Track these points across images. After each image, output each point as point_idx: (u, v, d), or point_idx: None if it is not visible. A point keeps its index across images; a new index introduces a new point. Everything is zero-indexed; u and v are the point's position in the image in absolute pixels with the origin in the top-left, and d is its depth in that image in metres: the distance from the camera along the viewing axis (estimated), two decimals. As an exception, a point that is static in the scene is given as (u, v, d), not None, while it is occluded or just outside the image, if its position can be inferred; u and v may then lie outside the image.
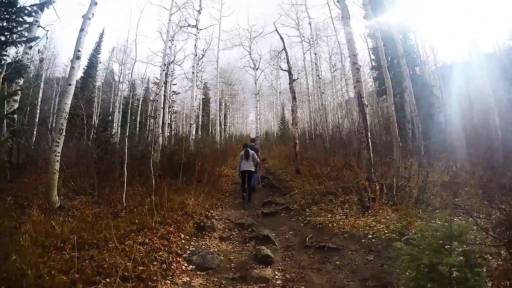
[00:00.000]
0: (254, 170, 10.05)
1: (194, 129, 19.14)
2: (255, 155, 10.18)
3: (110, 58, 34.15)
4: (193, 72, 20.08)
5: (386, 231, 5.95)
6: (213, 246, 6.46)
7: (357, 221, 6.70)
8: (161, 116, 25.99)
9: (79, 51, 7.57)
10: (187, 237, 6.44)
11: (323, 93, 22.49)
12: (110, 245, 5.11)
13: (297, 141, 12.92)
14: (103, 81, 35.13)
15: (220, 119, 32.83)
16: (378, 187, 8.04)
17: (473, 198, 8.27)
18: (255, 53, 26.02)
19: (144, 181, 8.97)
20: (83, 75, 31.86)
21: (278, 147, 22.22)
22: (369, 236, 5.90)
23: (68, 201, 7.44)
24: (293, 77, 13.85)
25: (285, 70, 14.37)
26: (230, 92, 36.46)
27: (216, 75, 24.35)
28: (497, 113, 12.68)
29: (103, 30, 32.75)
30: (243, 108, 41.95)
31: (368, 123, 10.49)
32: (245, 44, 25.75)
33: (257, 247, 5.88)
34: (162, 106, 15.06)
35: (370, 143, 9.22)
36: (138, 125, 33.20)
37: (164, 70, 15.07)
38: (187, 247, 6.06)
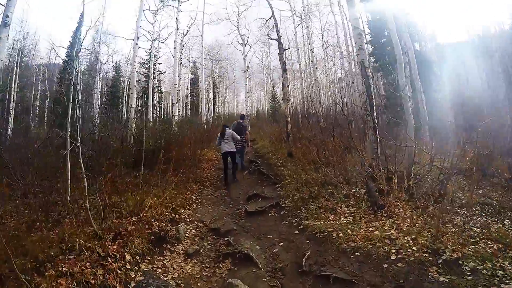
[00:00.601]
0: (235, 150, 9.25)
1: (177, 109, 16.98)
2: (234, 134, 9.32)
3: (94, 39, 31.58)
4: (174, 48, 17.79)
5: (414, 248, 3.99)
6: (173, 269, 4.51)
7: (370, 228, 4.76)
8: (149, 96, 24.10)
9: (7, 16, 5.95)
10: (137, 257, 4.45)
11: (316, 68, 20.30)
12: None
13: (289, 119, 10.90)
14: (88, 64, 32.68)
15: (208, 98, 30.66)
16: (390, 177, 6.14)
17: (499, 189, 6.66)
18: (243, 28, 23.73)
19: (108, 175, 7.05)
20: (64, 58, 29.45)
21: (269, 126, 20.20)
22: (392, 258, 3.91)
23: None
24: (283, 47, 11.67)
25: (274, 39, 12.18)
26: (219, 71, 34.03)
27: (201, 51, 22.02)
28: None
29: (83, 9, 29.95)
30: (234, 87, 39.58)
31: (373, 97, 8.57)
32: (232, 19, 23.49)
33: (229, 281, 3.89)
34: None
35: (376, 122, 7.31)
36: (124, 108, 31.20)
37: (136, 43, 12.76)
38: (133, 275, 4.07)
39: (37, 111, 26.58)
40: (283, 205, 6.59)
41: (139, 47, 12.74)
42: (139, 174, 7.44)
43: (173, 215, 6.12)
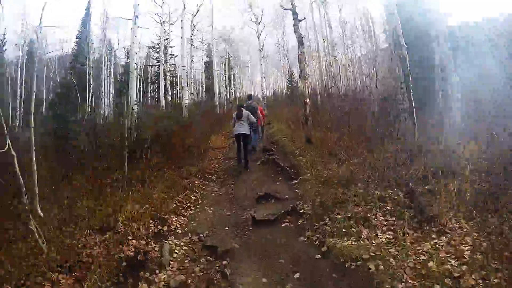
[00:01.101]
0: (249, 133, 8.34)
1: (187, 93, 15.52)
2: (251, 115, 8.34)
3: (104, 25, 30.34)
4: (182, 28, 16.24)
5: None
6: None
7: (421, 254, 3.26)
8: (160, 81, 22.75)
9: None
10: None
11: (335, 44, 18.32)
12: None
13: (308, 100, 9.22)
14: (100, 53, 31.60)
15: (222, 80, 29.09)
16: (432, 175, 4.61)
17: None
18: (256, 8, 21.89)
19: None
20: (74, 47, 28.36)
21: (286, 108, 18.56)
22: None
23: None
24: (298, 18, 9.92)
25: (288, 9, 10.42)
26: (233, 53, 32.23)
27: (211, 31, 20.37)
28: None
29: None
30: (249, 69, 37.77)
31: (409, 73, 6.93)
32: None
33: None
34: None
35: (413, 103, 5.71)
36: (138, 94, 30.10)
37: (135, 23, 11.22)
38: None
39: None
40: (301, 211, 5.01)
41: (138, 26, 11.23)
42: (128, 170, 5.95)
43: (160, 227, 4.71)
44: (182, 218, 5.31)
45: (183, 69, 15.79)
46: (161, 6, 19.50)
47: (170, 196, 5.75)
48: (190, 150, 8.87)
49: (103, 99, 21.97)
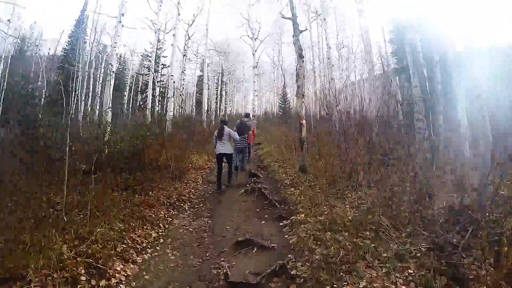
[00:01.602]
0: (231, 153, 7.71)
1: (172, 104, 14.15)
2: (233, 133, 7.64)
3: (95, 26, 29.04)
4: (174, 35, 14.98)
5: None
6: None
7: None
8: (149, 90, 21.35)
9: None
10: None
11: (333, 65, 17.26)
12: None
13: (304, 121, 7.91)
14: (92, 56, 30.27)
15: (212, 94, 27.86)
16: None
17: None
18: (254, 22, 21.02)
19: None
20: (65, 49, 27.03)
21: (277, 129, 17.31)
22: None
23: None
24: (299, 28, 8.73)
25: (288, 18, 9.23)
26: (227, 67, 31.09)
27: (205, 42, 19.27)
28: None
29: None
30: (243, 86, 36.63)
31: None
32: (242, 11, 21.19)
33: None
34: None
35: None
36: (127, 103, 28.64)
37: (119, 21, 9.88)
38: None
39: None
40: (293, 272, 3.57)
41: (122, 25, 9.92)
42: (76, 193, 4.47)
43: (95, 281, 3.26)
44: (131, 266, 3.83)
45: (171, 79, 14.43)
46: (156, 13, 18.38)
47: (121, 232, 4.29)
48: (164, 170, 7.45)
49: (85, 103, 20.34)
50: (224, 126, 7.56)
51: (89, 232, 3.92)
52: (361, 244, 3.74)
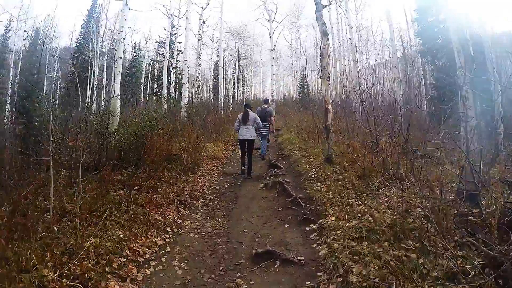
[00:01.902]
0: (255, 139, 7.27)
1: (187, 90, 13.40)
2: (258, 118, 7.26)
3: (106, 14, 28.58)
4: (187, 18, 14.08)
5: None
6: None
7: None
8: (164, 77, 20.74)
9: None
10: None
11: (356, 46, 16.06)
12: None
13: (330, 107, 6.99)
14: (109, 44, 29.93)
15: (228, 79, 27.02)
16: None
17: None
18: (270, 3, 19.90)
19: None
20: (78, 39, 26.71)
21: (297, 114, 16.39)
22: None
23: None
24: (321, 2, 7.73)
25: (311, -9, 8.21)
26: (244, 51, 30.08)
27: (220, 23, 18.35)
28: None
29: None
30: (260, 71, 35.59)
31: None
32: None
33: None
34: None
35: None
36: (144, 90, 28.24)
37: (126, 4, 9.05)
38: None
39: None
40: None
41: (129, 8, 9.11)
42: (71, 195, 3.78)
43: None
44: (130, 286, 3.14)
45: (185, 64, 13.65)
46: (169, -1, 17.60)
47: (119, 242, 3.60)
48: (176, 162, 6.75)
49: (98, 93, 19.91)
50: (248, 110, 7.21)
51: (80, 245, 3.24)
52: (405, 258, 2.95)
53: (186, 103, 12.81)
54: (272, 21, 19.88)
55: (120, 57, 9.04)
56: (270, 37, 19.81)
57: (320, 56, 7.26)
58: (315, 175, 6.21)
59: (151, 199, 4.89)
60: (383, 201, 4.62)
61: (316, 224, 4.28)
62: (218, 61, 29.49)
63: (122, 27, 9.13)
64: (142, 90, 28.43)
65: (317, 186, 5.66)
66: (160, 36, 26.13)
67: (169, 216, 4.67)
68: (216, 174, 7.32)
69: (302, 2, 30.64)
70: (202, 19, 20.36)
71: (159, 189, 5.39)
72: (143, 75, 29.15)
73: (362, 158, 6.29)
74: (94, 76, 24.63)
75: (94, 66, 24.94)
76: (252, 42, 29.11)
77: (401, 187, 4.59)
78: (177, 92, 22.73)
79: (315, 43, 30.14)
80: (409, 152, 5.82)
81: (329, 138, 6.85)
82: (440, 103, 13.71)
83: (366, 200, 4.64)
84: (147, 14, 50.15)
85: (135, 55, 31.40)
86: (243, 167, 7.18)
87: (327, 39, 7.32)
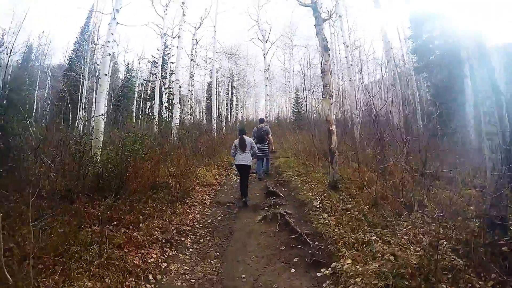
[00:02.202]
0: (251, 164, 6.85)
1: (178, 110, 12.71)
2: (253, 143, 6.99)
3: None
4: (179, 36, 13.55)
5: None
6: None
7: None
8: (155, 98, 20.07)
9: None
10: None
11: (351, 65, 15.62)
12: None
13: (333, 127, 6.31)
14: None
15: (219, 100, 26.52)
16: None
17: None
18: (264, 23, 19.60)
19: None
20: (70, 56, 26.21)
21: (293, 135, 15.71)
22: None
23: None
24: (321, 16, 7.20)
25: (307, 6, 7.62)
26: (238, 72, 29.69)
27: (213, 43, 17.90)
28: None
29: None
30: (253, 92, 35.15)
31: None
32: (251, 12, 19.54)
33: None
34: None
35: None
36: (133, 109, 27.49)
37: (114, 18, 8.44)
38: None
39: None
40: None
41: (117, 23, 8.49)
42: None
43: None
44: None
45: (177, 84, 13.00)
46: (162, 18, 17.13)
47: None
48: (163, 191, 5.97)
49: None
50: (244, 136, 6.81)
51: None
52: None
53: (177, 124, 12.11)
54: (266, 41, 19.49)
55: (106, 74, 8.37)
56: (264, 57, 19.36)
57: (321, 73, 6.65)
58: (320, 205, 5.47)
59: (131, 237, 4.09)
60: (402, 234, 3.91)
61: (329, 269, 3.52)
62: (211, 82, 29.10)
63: (109, 41, 8.47)
64: (135, 110, 27.73)
65: (324, 218, 4.92)
66: (153, 56, 25.65)
67: (152, 260, 3.86)
68: (208, 203, 6.51)
69: (296, 22, 30.72)
70: (196, 39, 19.99)
71: (141, 224, 4.59)
72: (136, 95, 28.51)
73: (372, 183, 5.59)
74: (83, 95, 24.02)
75: (85, 85, 24.32)
76: (246, 63, 28.82)
77: (420, 216, 3.92)
78: (169, 113, 22.07)
79: (309, 63, 30.11)
80: (427, 176, 5.18)
81: (334, 163, 6.15)
82: (439, 119, 13.34)
83: (383, 235, 3.93)
84: (140, 33, 50.03)
85: (127, 74, 30.89)
86: (243, 195, 6.66)
87: (329, 54, 6.72)
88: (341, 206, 5.36)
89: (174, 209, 5.51)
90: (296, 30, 28.24)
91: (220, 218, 5.82)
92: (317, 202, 5.67)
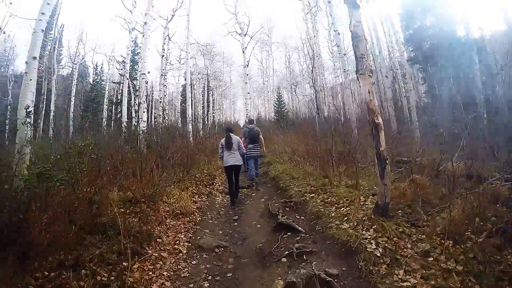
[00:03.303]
0: (241, 164, 6.18)
1: (144, 112, 9.89)
2: (241, 142, 6.28)
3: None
4: (145, 23, 10.69)
5: None
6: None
7: None
8: (123, 101, 17.05)
9: None
10: None
11: (345, 54, 13.27)
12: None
13: (380, 120, 3.75)
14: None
15: (195, 101, 23.75)
16: None
17: None
18: (242, 15, 17.05)
19: None
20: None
21: (278, 136, 13.20)
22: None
23: None
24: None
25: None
26: (214, 72, 26.80)
27: (187, 34, 15.13)
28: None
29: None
30: (230, 93, 32.31)
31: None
32: (228, 4, 17.07)
33: None
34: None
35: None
36: (104, 115, 24.18)
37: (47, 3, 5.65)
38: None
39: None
40: None
41: (48, 3, 5.66)
42: None
43: None
44: None
45: (142, 78, 10.17)
46: (131, 12, 14.23)
47: None
48: (108, 238, 3.27)
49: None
50: (230, 134, 6.17)
51: None
52: None
53: (144, 128, 9.33)
54: (245, 35, 16.92)
55: (34, 57, 5.49)
56: (243, 51, 16.76)
57: (352, 40, 4.14)
58: (379, 249, 2.98)
59: None
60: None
61: None
62: (185, 84, 26.21)
63: (42, 13, 5.62)
64: (106, 116, 24.46)
65: (401, 280, 2.47)
66: (122, 56, 22.44)
67: None
68: (185, 251, 3.80)
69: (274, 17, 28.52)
70: (168, 35, 17.23)
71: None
72: (106, 100, 25.19)
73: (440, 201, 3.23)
74: (45, 100, 20.81)
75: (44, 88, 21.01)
76: (222, 62, 26.12)
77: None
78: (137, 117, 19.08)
79: (286, 61, 27.79)
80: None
81: (385, 175, 3.64)
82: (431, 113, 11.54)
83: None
84: (110, 32, 45.59)
85: (96, 77, 27.53)
86: (232, 199, 6.01)
87: (360, 13, 4.22)
88: (410, 246, 2.94)
89: (122, 275, 2.83)
90: (274, 28, 26.16)
91: (207, 282, 3.16)
92: (371, 245, 3.15)
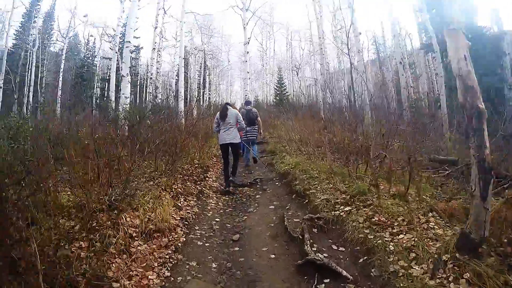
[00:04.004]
0: (239, 142, 5.65)
1: (128, 88, 8.19)
2: (240, 116, 5.56)
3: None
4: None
5: None
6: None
7: None
8: (111, 76, 15.23)
9: None
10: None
11: (360, 33, 11.57)
12: None
13: (482, 104, 2.22)
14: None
15: (190, 79, 21.90)
16: None
17: None
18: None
19: None
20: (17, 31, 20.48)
21: (279, 121, 11.71)
22: None
23: None
24: None
25: None
26: (211, 51, 24.81)
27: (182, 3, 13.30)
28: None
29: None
30: (228, 74, 30.46)
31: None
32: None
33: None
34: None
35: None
36: (96, 92, 22.47)
37: None
38: None
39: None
40: None
41: None
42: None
43: None
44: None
45: (127, 47, 8.42)
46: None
47: None
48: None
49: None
50: (228, 106, 5.54)
51: None
52: None
53: (127, 105, 7.70)
54: (247, 9, 15.04)
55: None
56: (244, 28, 14.91)
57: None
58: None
59: None
60: None
61: None
62: (179, 58, 24.29)
63: None
64: (98, 93, 22.73)
65: None
66: (114, 29, 20.36)
67: None
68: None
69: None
70: (163, 7, 15.32)
71: None
72: (97, 77, 23.34)
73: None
74: (31, 75, 19.04)
75: (31, 63, 19.15)
76: (221, 39, 24.16)
77: None
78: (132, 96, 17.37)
79: (288, 43, 25.98)
80: None
81: (489, 193, 2.14)
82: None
83: None
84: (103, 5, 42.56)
85: (87, 53, 25.51)
86: (227, 181, 5.41)
87: None
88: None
89: None
90: (276, 8, 24.30)
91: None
92: None
